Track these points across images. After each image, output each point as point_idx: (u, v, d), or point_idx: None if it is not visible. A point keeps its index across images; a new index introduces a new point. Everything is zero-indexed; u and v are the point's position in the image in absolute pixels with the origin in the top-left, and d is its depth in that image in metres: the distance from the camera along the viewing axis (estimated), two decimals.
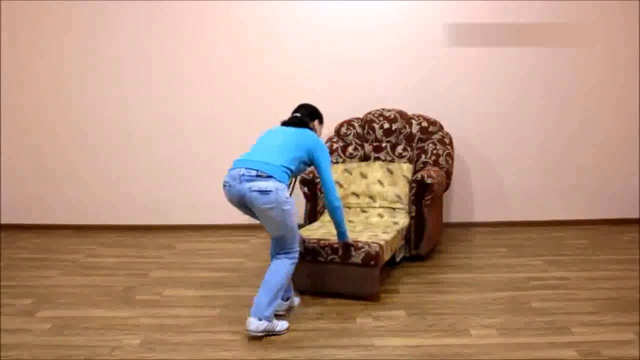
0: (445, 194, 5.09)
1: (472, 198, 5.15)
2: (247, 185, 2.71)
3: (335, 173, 4.30)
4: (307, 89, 5.04)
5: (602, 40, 4.97)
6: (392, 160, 4.30)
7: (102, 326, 2.94)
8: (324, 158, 2.95)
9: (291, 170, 2.86)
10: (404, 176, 4.14)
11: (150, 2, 4.97)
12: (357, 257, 3.19)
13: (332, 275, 3.26)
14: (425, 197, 3.98)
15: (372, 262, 3.16)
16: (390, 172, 4.18)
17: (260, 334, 2.75)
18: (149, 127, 5.11)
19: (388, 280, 3.62)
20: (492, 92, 5.03)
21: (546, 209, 5.15)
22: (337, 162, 4.41)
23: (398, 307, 3.16)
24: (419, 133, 4.58)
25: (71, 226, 5.23)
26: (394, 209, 4.02)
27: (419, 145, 4.57)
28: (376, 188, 4.15)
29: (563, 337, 2.72)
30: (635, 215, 5.15)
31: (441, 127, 4.63)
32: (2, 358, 2.56)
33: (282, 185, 2.74)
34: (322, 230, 3.64)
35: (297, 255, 2.93)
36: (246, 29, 4.99)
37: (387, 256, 3.36)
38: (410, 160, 4.31)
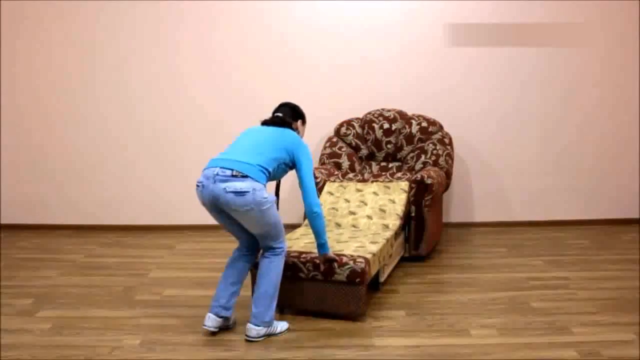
0: (445, 194, 5.09)
1: (472, 198, 5.15)
2: (222, 185, 2.57)
3: (330, 187, 4.13)
4: (307, 89, 5.04)
5: (602, 40, 4.97)
6: (390, 181, 4.09)
7: (102, 326, 2.93)
8: (306, 159, 2.77)
9: (268, 172, 2.70)
10: (401, 189, 3.99)
11: (151, 2, 4.97)
12: (341, 275, 2.90)
13: (314, 293, 2.98)
14: (425, 197, 3.97)
15: (358, 280, 2.88)
16: (388, 187, 4.03)
17: (261, 339, 2.75)
18: (149, 127, 5.11)
19: (388, 280, 3.62)
20: (492, 92, 5.03)
21: (546, 209, 5.15)
22: (334, 181, 4.19)
23: (398, 307, 3.16)
24: (418, 133, 4.58)
25: (71, 226, 5.23)
26: (384, 211, 3.84)
27: (419, 145, 4.57)
28: (370, 196, 3.98)
29: (563, 337, 2.72)
30: (635, 215, 5.15)
31: (441, 127, 4.63)
32: (2, 358, 2.56)
33: (259, 185, 2.59)
34: (305, 240, 3.33)
35: (284, 246, 2.80)
36: (247, 30, 4.99)
37: (374, 270, 3.09)
38: (409, 180, 4.07)
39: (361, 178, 4.18)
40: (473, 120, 5.06)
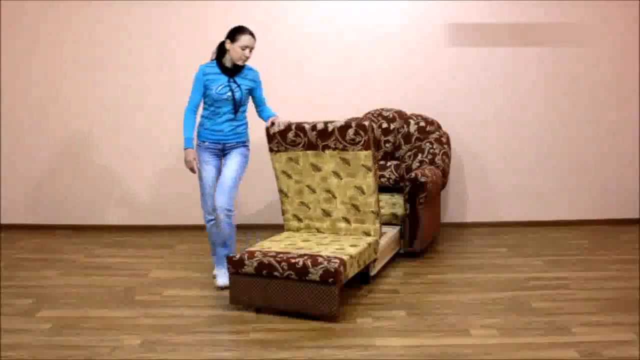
0: (444, 194, 5.09)
1: (472, 198, 5.15)
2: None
3: (278, 162, 3.65)
4: (306, 89, 5.04)
5: (602, 40, 4.97)
6: (344, 149, 3.42)
7: (102, 326, 2.94)
8: None
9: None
10: (363, 165, 3.41)
11: (152, 2, 4.97)
12: (315, 274, 2.91)
13: (288, 293, 3.00)
14: (419, 195, 3.98)
15: (331, 280, 2.88)
16: (347, 163, 3.45)
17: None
18: (149, 126, 5.11)
19: (388, 280, 3.62)
20: (492, 92, 5.03)
21: (546, 209, 5.15)
22: (278, 151, 3.61)
23: (398, 307, 3.16)
24: (416, 132, 4.58)
25: (71, 226, 5.23)
26: (357, 207, 3.51)
27: (416, 144, 4.58)
28: (333, 181, 3.52)
29: (563, 337, 2.72)
30: (635, 215, 5.15)
31: (439, 127, 4.64)
32: (2, 358, 2.56)
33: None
34: (286, 242, 3.37)
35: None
36: None
37: (352, 272, 3.07)
38: (365, 147, 3.37)
39: (307, 143, 3.53)
40: (473, 120, 5.06)
